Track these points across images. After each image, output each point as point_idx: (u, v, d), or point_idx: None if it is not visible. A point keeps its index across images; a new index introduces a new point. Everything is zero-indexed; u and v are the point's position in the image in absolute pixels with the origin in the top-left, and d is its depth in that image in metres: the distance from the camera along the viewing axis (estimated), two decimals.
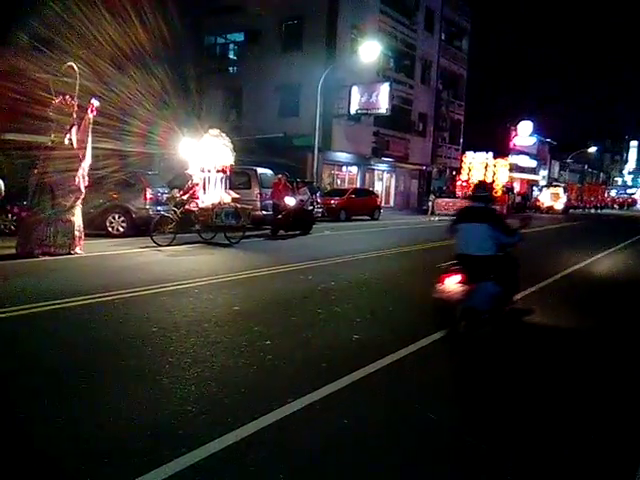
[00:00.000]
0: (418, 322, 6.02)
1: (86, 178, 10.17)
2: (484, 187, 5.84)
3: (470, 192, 6.12)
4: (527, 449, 3.25)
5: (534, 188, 53.46)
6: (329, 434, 3.33)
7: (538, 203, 42.34)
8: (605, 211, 54.80)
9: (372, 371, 4.36)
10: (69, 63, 10.25)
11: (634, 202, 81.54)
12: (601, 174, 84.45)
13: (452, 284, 5.06)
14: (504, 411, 3.81)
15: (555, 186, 47.25)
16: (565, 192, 44.60)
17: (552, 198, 42.27)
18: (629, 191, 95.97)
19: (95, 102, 10.22)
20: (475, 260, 5.21)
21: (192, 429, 3.25)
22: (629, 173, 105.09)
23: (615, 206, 67.02)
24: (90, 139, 10.15)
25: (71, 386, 3.85)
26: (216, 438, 3.13)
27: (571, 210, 44.57)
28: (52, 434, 3.17)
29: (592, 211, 51.42)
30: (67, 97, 10.02)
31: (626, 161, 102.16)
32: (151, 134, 16.25)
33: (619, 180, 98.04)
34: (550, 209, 40.24)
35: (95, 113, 10.21)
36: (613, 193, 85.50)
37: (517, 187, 47.85)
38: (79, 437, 3.14)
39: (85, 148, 10.07)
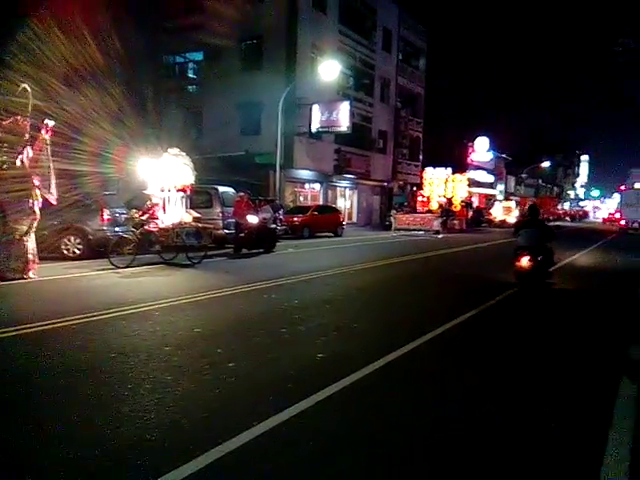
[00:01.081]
0: (382, 338, 6.03)
1: (54, 196, 9.91)
2: (534, 207, 10.50)
3: (526, 210, 10.79)
4: None
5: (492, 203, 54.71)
6: (295, 457, 3.26)
7: (491, 217, 42.78)
8: (558, 223, 56.52)
9: (337, 390, 4.32)
10: (22, 85, 9.97)
11: (585, 214, 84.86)
12: (555, 188, 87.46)
13: (525, 261, 9.20)
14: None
15: (508, 200, 48.39)
16: (517, 206, 45.61)
17: (504, 212, 43.06)
18: (581, 204, 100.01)
19: (50, 122, 9.96)
20: (534, 248, 9.31)
21: (152, 459, 3.12)
22: (581, 186, 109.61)
23: (567, 218, 69.23)
24: (50, 161, 9.88)
25: (21, 415, 3.66)
26: (176, 467, 3.01)
27: None
28: None
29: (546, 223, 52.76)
30: (18, 117, 9.72)
31: (578, 175, 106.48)
32: (108, 154, 15.92)
33: (572, 193, 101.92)
34: (503, 223, 40.03)
35: (50, 134, 9.95)
36: (567, 206, 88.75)
37: (476, 202, 48.95)
38: (29, 469, 2.98)
39: (40, 168, 9.78)
